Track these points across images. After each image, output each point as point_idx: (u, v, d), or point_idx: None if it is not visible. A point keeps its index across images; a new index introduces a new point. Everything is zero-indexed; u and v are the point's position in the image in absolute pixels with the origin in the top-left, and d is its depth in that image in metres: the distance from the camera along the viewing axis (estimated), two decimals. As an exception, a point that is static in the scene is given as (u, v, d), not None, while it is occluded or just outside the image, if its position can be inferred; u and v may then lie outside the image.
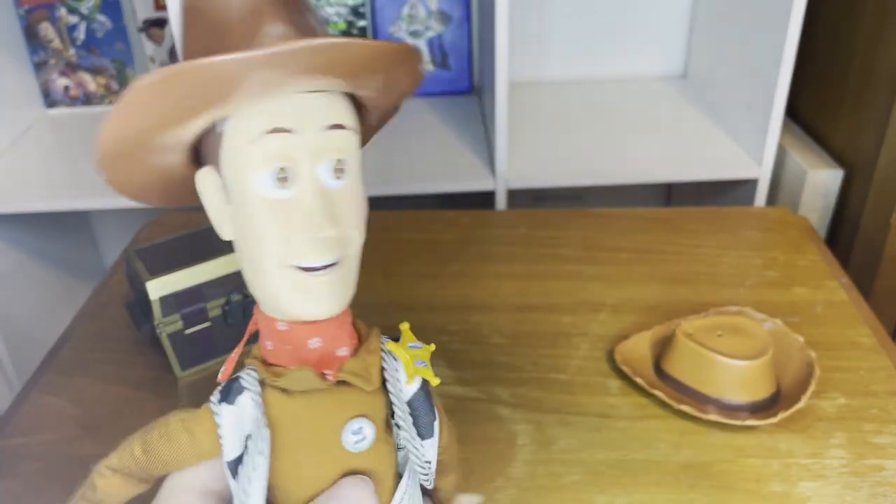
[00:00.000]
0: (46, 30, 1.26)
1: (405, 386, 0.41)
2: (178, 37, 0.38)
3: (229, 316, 0.71)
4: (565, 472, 0.60)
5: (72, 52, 1.27)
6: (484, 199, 1.09)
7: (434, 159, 1.11)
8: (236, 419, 0.40)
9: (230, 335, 0.72)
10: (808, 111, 1.18)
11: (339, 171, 0.37)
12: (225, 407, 0.41)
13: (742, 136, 1.09)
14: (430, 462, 0.42)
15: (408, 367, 0.40)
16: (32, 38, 1.26)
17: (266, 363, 0.40)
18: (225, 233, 0.39)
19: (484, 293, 0.81)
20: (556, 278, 0.83)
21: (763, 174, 1.04)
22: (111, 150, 0.38)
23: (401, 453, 0.42)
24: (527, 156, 1.10)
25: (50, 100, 1.30)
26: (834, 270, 0.83)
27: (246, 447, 0.40)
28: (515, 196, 1.09)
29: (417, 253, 0.88)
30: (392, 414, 0.41)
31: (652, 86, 1.33)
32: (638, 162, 1.07)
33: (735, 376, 0.64)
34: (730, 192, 1.14)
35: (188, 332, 0.69)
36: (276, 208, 0.36)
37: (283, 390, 0.39)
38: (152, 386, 0.70)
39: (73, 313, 0.84)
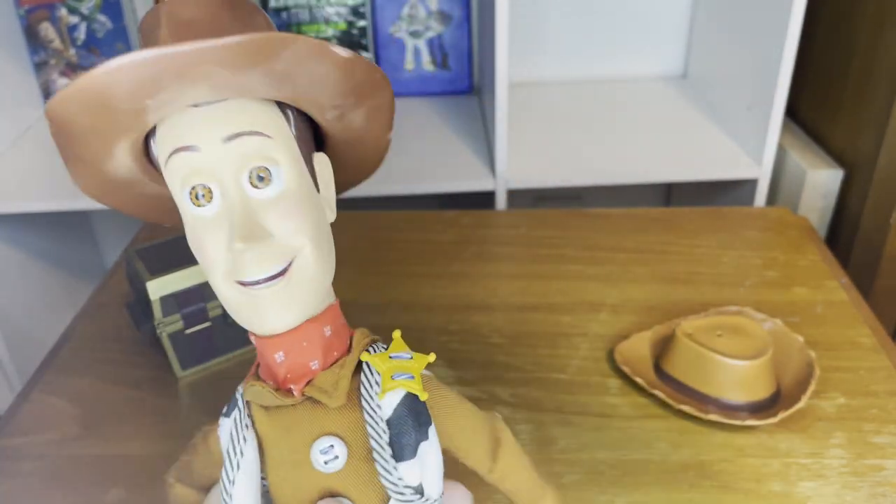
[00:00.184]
0: (47, 30, 1.26)
1: (382, 401, 0.38)
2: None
3: (229, 316, 0.71)
4: (565, 472, 0.60)
5: (72, 52, 1.27)
6: (484, 199, 1.09)
7: (434, 159, 1.11)
8: (230, 432, 0.40)
9: (230, 335, 0.72)
10: (808, 111, 1.18)
11: (261, 179, 0.35)
12: (223, 420, 0.41)
13: (742, 136, 1.09)
14: (411, 487, 0.38)
15: (384, 380, 0.37)
16: (33, 38, 1.26)
17: (258, 377, 0.40)
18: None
19: (484, 293, 0.81)
20: (556, 278, 0.83)
21: (763, 174, 1.04)
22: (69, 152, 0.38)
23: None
24: (527, 156, 1.10)
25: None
26: (834, 270, 0.83)
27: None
28: (515, 196, 1.09)
29: (417, 253, 0.88)
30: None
31: (652, 86, 1.33)
32: (638, 162, 1.07)
33: (735, 376, 0.64)
34: (730, 192, 1.14)
35: (188, 331, 0.69)
36: (205, 226, 0.36)
37: (264, 406, 0.39)
38: (152, 386, 0.70)
39: (73, 313, 0.84)
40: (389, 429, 0.38)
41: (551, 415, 0.65)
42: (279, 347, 0.37)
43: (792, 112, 1.21)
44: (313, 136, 0.41)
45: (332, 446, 0.38)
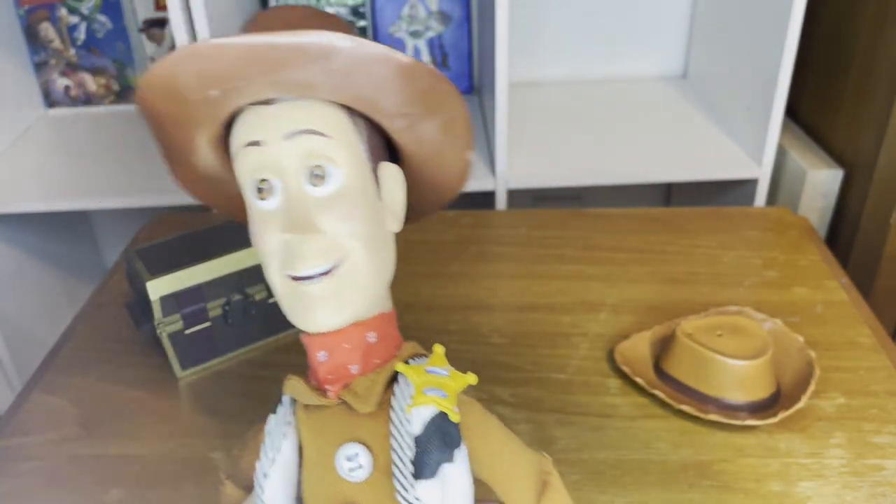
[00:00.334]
0: (47, 30, 1.26)
1: (410, 415, 0.36)
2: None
3: (229, 316, 0.71)
4: (565, 472, 0.60)
5: (72, 52, 1.27)
6: (484, 199, 1.09)
7: (434, 159, 1.11)
8: (274, 427, 0.41)
9: (230, 335, 0.72)
10: (807, 111, 1.18)
11: (317, 177, 0.36)
12: (271, 416, 0.41)
13: (742, 136, 1.09)
14: None
15: (416, 394, 0.36)
16: (33, 38, 1.26)
17: (306, 374, 0.41)
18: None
19: (484, 293, 0.81)
20: (556, 278, 0.83)
21: (763, 174, 1.04)
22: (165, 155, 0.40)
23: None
24: (527, 156, 1.10)
25: (50, 100, 1.30)
26: (834, 270, 0.83)
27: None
28: (515, 196, 1.09)
29: (417, 253, 0.88)
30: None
31: (652, 86, 1.33)
32: (638, 162, 1.07)
33: (735, 376, 0.64)
34: (730, 192, 1.14)
35: (188, 331, 0.69)
36: (266, 219, 0.37)
37: (305, 405, 0.39)
38: (152, 386, 0.70)
39: (73, 313, 0.84)
40: (416, 445, 0.36)
41: (551, 415, 0.65)
42: (322, 346, 0.38)
43: (792, 112, 1.21)
44: (387, 149, 0.41)
45: (357, 454, 0.38)
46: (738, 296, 0.79)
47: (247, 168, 0.37)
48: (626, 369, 0.68)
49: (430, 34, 1.28)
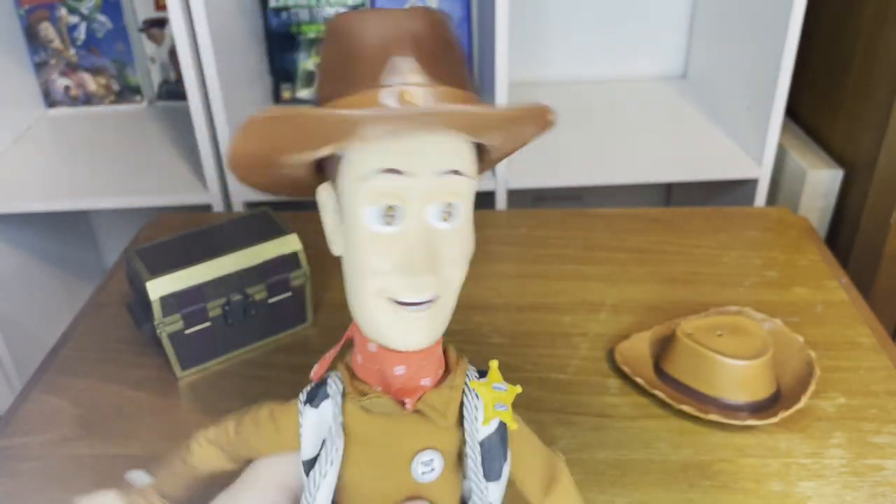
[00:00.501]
0: (47, 30, 1.26)
1: (481, 426, 0.41)
2: (321, 58, 0.39)
3: (229, 316, 0.71)
4: (565, 472, 0.60)
5: (72, 52, 1.27)
6: (484, 199, 1.09)
7: (434, 159, 1.11)
8: (317, 422, 0.41)
9: (230, 335, 0.72)
10: (807, 111, 1.18)
11: (447, 214, 0.37)
12: (308, 409, 0.42)
13: (742, 136, 1.09)
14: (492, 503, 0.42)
15: (487, 409, 0.41)
16: (33, 38, 1.26)
17: (353, 374, 0.41)
18: (335, 248, 0.40)
19: (484, 293, 0.81)
20: (556, 278, 0.83)
21: (763, 174, 1.04)
22: (239, 163, 0.38)
23: (465, 485, 0.43)
24: (527, 156, 1.10)
25: (50, 100, 1.30)
26: (834, 270, 0.83)
27: (321, 451, 0.41)
28: (515, 196, 1.09)
29: (417, 253, 0.88)
30: (463, 449, 0.42)
31: (652, 86, 1.33)
32: (638, 162, 1.07)
33: (735, 376, 0.64)
34: (730, 192, 1.14)
35: (188, 332, 0.69)
36: (380, 242, 0.36)
37: (364, 409, 0.40)
38: (152, 386, 0.70)
39: (73, 313, 0.84)
40: (482, 451, 0.41)
41: (551, 415, 0.65)
42: (403, 362, 0.39)
43: (792, 112, 1.21)
44: None
45: (432, 459, 0.41)
46: (738, 296, 0.79)
47: (376, 193, 0.36)
48: (626, 369, 0.68)
49: (430, 34, 1.28)
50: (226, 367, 0.72)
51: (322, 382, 0.42)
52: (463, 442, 0.41)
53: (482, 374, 0.43)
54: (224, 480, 0.45)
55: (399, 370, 0.39)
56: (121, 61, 1.29)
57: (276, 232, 0.73)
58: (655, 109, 1.24)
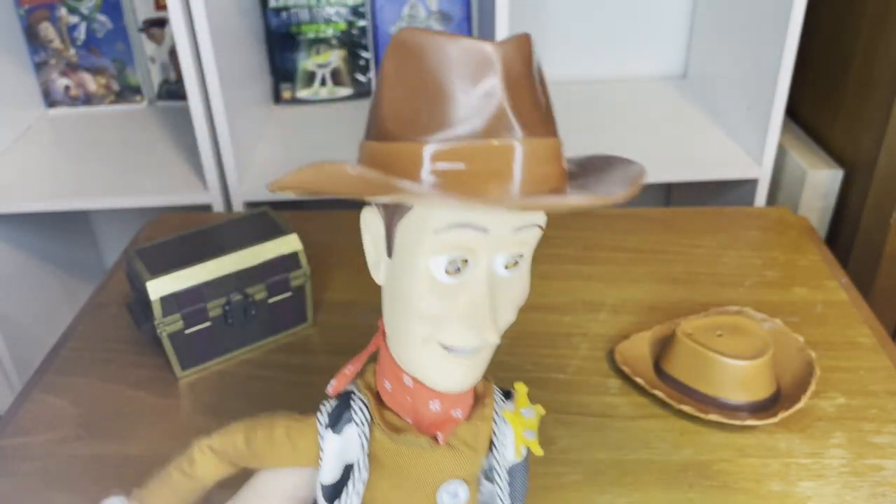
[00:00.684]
0: (47, 30, 1.26)
1: (510, 454, 0.41)
2: (383, 73, 0.34)
3: (229, 316, 0.71)
4: (565, 472, 0.60)
5: (72, 52, 1.27)
6: (484, 199, 1.09)
7: (434, 159, 1.11)
8: (340, 448, 0.40)
9: (230, 335, 0.72)
10: (808, 111, 1.18)
11: (516, 263, 0.36)
12: (331, 434, 0.40)
13: (742, 136, 1.09)
14: None
15: (518, 439, 0.41)
16: (33, 38, 1.26)
17: (379, 398, 0.40)
18: (377, 277, 0.38)
19: (484, 293, 0.81)
20: (556, 278, 0.83)
21: (763, 174, 1.04)
22: (296, 189, 0.35)
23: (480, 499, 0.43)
24: (527, 156, 1.10)
25: (50, 100, 1.30)
26: (834, 270, 0.83)
27: (345, 477, 0.40)
28: (515, 196, 1.09)
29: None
30: (486, 472, 0.42)
31: (652, 86, 1.33)
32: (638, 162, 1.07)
33: (735, 376, 0.64)
34: (730, 192, 1.14)
35: (188, 331, 0.69)
36: (441, 291, 0.35)
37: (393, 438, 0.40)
38: (152, 386, 0.70)
39: (73, 313, 0.84)
40: (509, 476, 0.42)
41: (551, 415, 0.65)
42: (440, 398, 0.39)
43: (792, 112, 1.21)
44: None
45: (457, 490, 0.41)
46: (738, 296, 0.79)
47: (446, 246, 0.34)
48: (626, 369, 0.68)
49: (430, 34, 1.28)
50: (226, 367, 0.72)
51: (344, 404, 0.40)
52: (487, 466, 0.41)
53: (506, 393, 0.42)
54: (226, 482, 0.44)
55: (434, 405, 0.39)
56: (121, 61, 1.29)
57: (276, 232, 0.73)
58: (655, 109, 1.24)
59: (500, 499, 0.41)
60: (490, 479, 0.42)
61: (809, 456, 0.61)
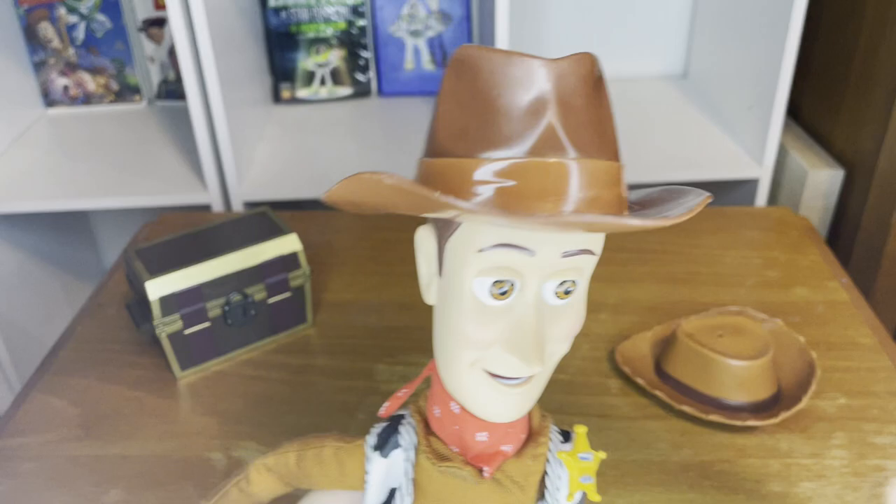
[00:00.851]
0: (46, 29, 1.26)
1: (563, 499, 0.40)
2: (441, 90, 0.34)
3: (229, 316, 0.71)
4: (565, 473, 0.60)
5: (71, 51, 1.27)
6: (484, 199, 1.09)
7: (434, 159, 1.11)
8: (385, 471, 0.40)
9: (230, 335, 0.72)
10: (808, 111, 1.18)
11: (567, 292, 0.34)
12: (377, 457, 0.40)
13: (743, 136, 1.09)
14: None
15: (572, 483, 0.39)
16: (32, 37, 1.26)
17: (427, 425, 0.40)
18: (428, 297, 0.37)
19: (484, 293, 0.81)
20: (556, 278, 0.83)
21: (764, 174, 1.04)
22: (340, 202, 0.34)
23: None
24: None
25: (49, 99, 1.30)
26: (834, 270, 0.83)
27: (389, 502, 0.40)
28: (515, 196, 1.09)
29: (417, 253, 0.88)
30: None
31: (652, 86, 1.33)
32: (638, 162, 1.07)
33: (736, 376, 0.63)
34: (731, 191, 1.14)
35: (187, 332, 0.69)
36: (487, 314, 0.34)
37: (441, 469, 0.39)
38: (152, 386, 0.70)
39: (73, 313, 0.84)
40: None
41: (551, 415, 0.65)
42: (488, 429, 0.37)
43: (793, 112, 1.20)
44: None
45: None
46: (738, 296, 0.79)
47: (491, 267, 0.33)
48: (626, 370, 0.68)
49: (430, 34, 1.28)
50: (225, 367, 0.72)
51: (393, 428, 0.40)
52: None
53: (565, 434, 0.41)
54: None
55: (481, 436, 0.37)
56: (120, 61, 1.29)
57: (275, 232, 0.73)
58: (656, 109, 1.24)
59: None
60: None
61: (810, 456, 0.61)
